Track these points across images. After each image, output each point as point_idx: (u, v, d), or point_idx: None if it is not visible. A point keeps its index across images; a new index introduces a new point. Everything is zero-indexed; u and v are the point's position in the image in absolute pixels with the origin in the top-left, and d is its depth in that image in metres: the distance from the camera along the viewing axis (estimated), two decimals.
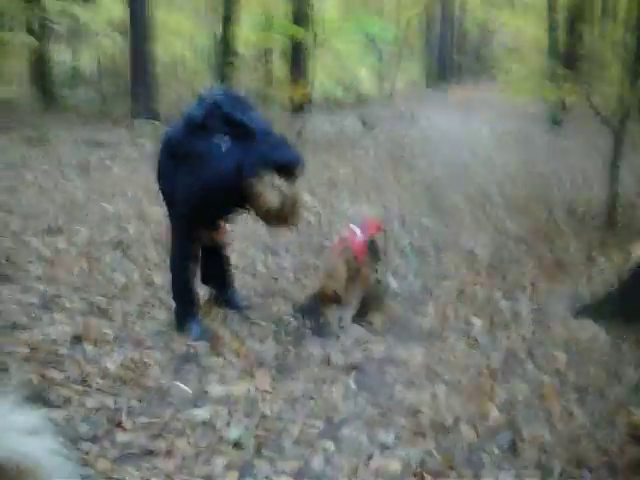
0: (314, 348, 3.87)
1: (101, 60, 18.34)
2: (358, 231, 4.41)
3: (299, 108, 15.58)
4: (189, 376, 3.54)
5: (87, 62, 21.66)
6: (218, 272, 4.44)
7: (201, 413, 3.16)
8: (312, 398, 3.30)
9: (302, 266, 5.40)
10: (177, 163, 3.71)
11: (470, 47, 53.91)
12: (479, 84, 38.89)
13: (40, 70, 17.01)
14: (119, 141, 11.65)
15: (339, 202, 7.83)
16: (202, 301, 4.47)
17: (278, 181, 3.51)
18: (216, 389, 3.40)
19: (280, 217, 3.58)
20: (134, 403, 3.26)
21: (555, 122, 16.27)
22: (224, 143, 3.59)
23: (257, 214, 3.65)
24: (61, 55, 19.90)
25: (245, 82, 21.75)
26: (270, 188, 3.48)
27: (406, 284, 4.95)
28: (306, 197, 7.93)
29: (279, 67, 21.16)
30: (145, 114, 13.00)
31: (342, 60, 23.96)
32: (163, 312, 4.33)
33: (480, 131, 15.96)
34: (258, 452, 2.87)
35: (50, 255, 5.39)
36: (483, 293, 4.71)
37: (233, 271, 4.78)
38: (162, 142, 3.88)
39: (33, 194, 7.57)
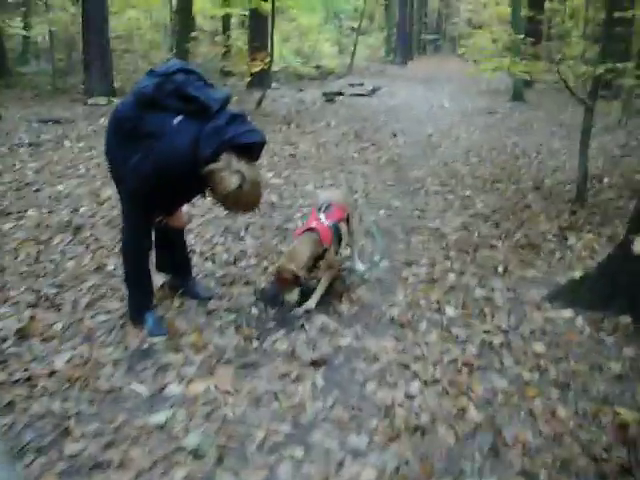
0: (278, 340, 3.63)
1: (54, 32, 17.62)
2: (323, 216, 4.18)
3: (258, 81, 15.23)
4: (144, 375, 3.28)
5: (40, 34, 20.93)
6: (175, 259, 4.17)
7: (157, 418, 2.90)
8: (277, 398, 3.06)
9: (264, 249, 5.14)
10: (126, 140, 3.41)
11: (432, 22, 53.73)
12: (441, 59, 38.89)
13: None
14: (74, 118, 11.19)
15: (302, 180, 7.56)
16: (157, 290, 4.21)
17: (237, 162, 3.23)
18: (173, 389, 3.15)
19: (239, 201, 3.30)
20: (84, 407, 2.99)
21: (519, 97, 16.17)
22: (176, 120, 3.30)
23: (215, 198, 3.37)
24: (13, 28, 19.11)
25: (203, 54, 21.28)
26: (229, 170, 3.20)
27: (373, 268, 4.73)
28: (267, 175, 7.67)
29: (238, 38, 20.64)
30: (100, 89, 12.50)
31: (302, 32, 23.61)
32: (116, 302, 4.04)
33: (443, 105, 15.79)
34: (220, 461, 2.63)
35: None
36: (455, 278, 4.51)
37: (191, 256, 4.52)
38: (110, 118, 3.56)
39: None
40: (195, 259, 4.80)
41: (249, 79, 16.64)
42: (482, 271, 4.65)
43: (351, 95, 17.30)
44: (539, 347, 3.47)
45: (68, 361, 3.37)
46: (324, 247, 4.04)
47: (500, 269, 4.65)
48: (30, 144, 8.99)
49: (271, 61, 13.79)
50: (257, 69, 13.76)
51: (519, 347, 3.50)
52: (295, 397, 3.06)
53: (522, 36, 9.07)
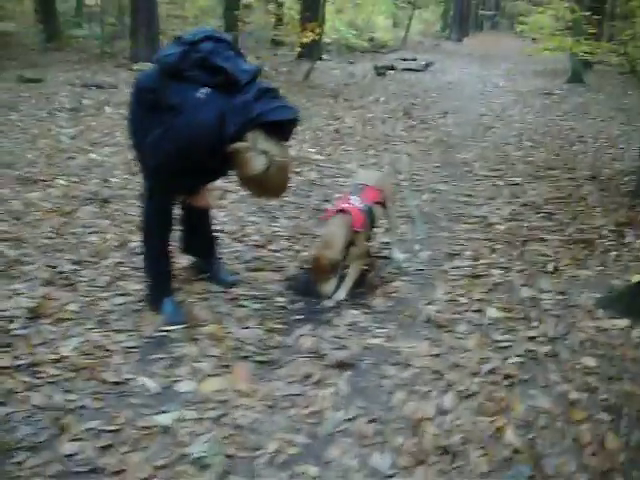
0: (303, 335, 3.35)
1: None
2: (355, 198, 3.87)
3: (308, 52, 14.86)
4: (155, 367, 3.03)
5: None
6: (200, 240, 3.91)
7: (163, 418, 2.66)
8: (295, 404, 2.78)
9: (298, 231, 4.86)
10: (148, 113, 3.15)
11: None
12: (498, 36, 37.89)
13: (44, 5, 16.21)
14: (117, 83, 11.00)
15: (344, 158, 7.24)
16: (181, 272, 3.97)
17: (266, 143, 2.94)
18: (185, 386, 2.90)
19: (264, 186, 3.02)
20: (87, 401, 2.76)
21: (577, 78, 15.47)
22: (201, 92, 3.01)
23: (239, 180, 3.09)
24: None
25: (255, 22, 20.92)
26: (254, 151, 2.91)
27: (412, 258, 4.41)
28: (309, 150, 7.38)
29: (291, 7, 20.20)
30: (145, 55, 12.26)
31: (357, 3, 23.07)
32: (136, 283, 3.81)
33: (497, 84, 15.21)
34: (225, 475, 2.38)
35: (20, 209, 4.86)
36: (500, 275, 4.16)
37: (219, 238, 4.26)
38: (132, 88, 3.30)
39: (15, 139, 7.01)
40: (224, 239, 4.55)
41: (299, 50, 16.28)
42: (530, 268, 4.29)
43: (403, 70, 16.82)
44: (589, 361, 3.11)
45: (77, 347, 3.14)
46: (356, 232, 3.74)
47: (550, 267, 4.28)
48: (70, 109, 8.84)
49: (322, 32, 13.41)
50: (307, 39, 13.38)
51: (567, 360, 3.14)
52: (315, 404, 2.78)
53: (588, 13, 8.49)
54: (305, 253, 4.43)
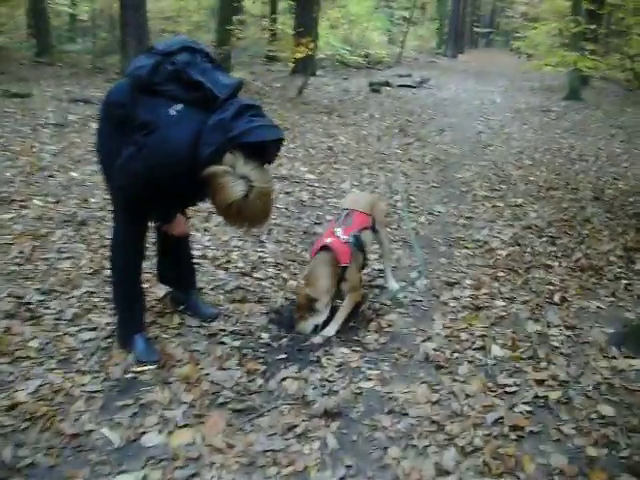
0: (288, 378, 3.02)
1: (97, 10, 17.22)
2: (339, 230, 3.56)
3: (302, 67, 14.62)
4: (120, 416, 2.70)
5: (85, 11, 20.59)
6: (177, 269, 3.57)
7: None
8: (276, 461, 2.45)
9: (286, 257, 4.54)
10: (117, 131, 2.82)
11: (486, 15, 52.47)
12: (493, 53, 37.90)
13: (37, 19, 15.97)
14: None
15: (338, 177, 6.93)
16: (158, 302, 3.66)
17: (244, 166, 2.62)
18: (152, 439, 2.57)
19: (244, 215, 2.68)
20: (39, 457, 2.44)
21: (574, 95, 15.23)
22: (174, 109, 2.70)
23: (215, 208, 2.77)
24: (60, 5, 18.83)
25: (249, 38, 20.72)
26: (232, 175, 2.59)
27: (409, 287, 4.09)
28: (301, 169, 7.07)
29: (285, 23, 19.99)
30: None
31: (351, 19, 22.86)
32: (108, 316, 3.48)
33: (494, 101, 14.97)
34: None
35: None
36: (503, 307, 3.84)
37: (200, 264, 3.95)
38: (102, 103, 2.99)
39: None
40: (206, 266, 4.23)
41: (293, 65, 16.04)
42: (535, 298, 3.97)
43: (398, 86, 16.57)
44: (606, 409, 2.78)
45: (35, 391, 2.82)
46: (342, 267, 3.44)
47: (556, 297, 3.96)
48: (55, 124, 8.52)
49: (315, 47, 13.16)
50: (301, 55, 13.11)
51: (581, 407, 2.81)
52: (298, 461, 2.45)
53: (593, 26, 8.17)
54: (292, 282, 4.11)
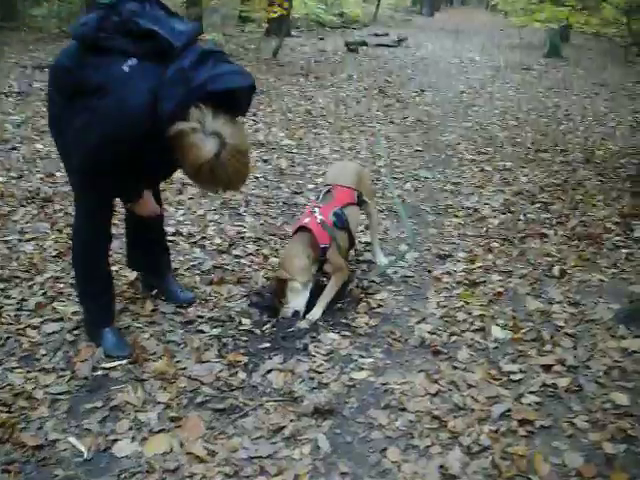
0: (273, 370, 2.76)
1: None
2: (317, 210, 3.31)
3: (276, 28, 14.16)
4: (89, 422, 2.43)
5: None
6: (149, 253, 3.27)
7: None
8: (263, 470, 2.20)
9: (266, 231, 4.26)
10: (69, 99, 2.49)
11: None
12: (469, 11, 37.51)
13: None
14: None
15: (317, 143, 6.62)
16: (128, 287, 3.37)
17: (214, 120, 2.30)
18: (124, 447, 2.30)
19: (217, 176, 2.35)
20: None
21: (555, 52, 14.94)
22: (126, 65, 2.36)
23: (185, 172, 2.46)
24: None
25: None
26: (201, 132, 2.28)
27: (398, 261, 3.83)
28: (279, 134, 6.75)
29: None
30: None
31: None
32: (72, 304, 3.18)
33: (473, 59, 14.63)
34: None
35: None
36: (500, 282, 3.60)
37: (174, 242, 3.66)
38: (49, 72, 2.65)
39: None
40: (180, 244, 3.95)
41: (267, 26, 15.53)
42: (533, 271, 3.73)
43: (375, 45, 16.15)
44: (620, 398, 2.54)
45: None
46: (322, 247, 3.18)
47: (556, 270, 3.72)
48: (19, 92, 8.09)
49: (290, 7, 12.68)
50: (275, 15, 12.64)
51: (593, 396, 2.57)
52: (289, 470, 2.19)
53: None
54: (274, 259, 3.84)
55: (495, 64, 13.80)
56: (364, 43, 15.88)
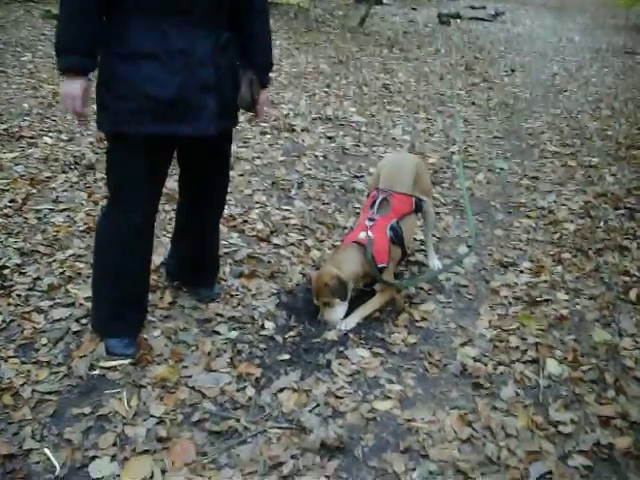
0: (284, 389, 2.43)
1: None
2: (370, 223, 2.99)
3: None
4: (71, 431, 2.17)
5: None
6: (195, 259, 2.93)
7: None
8: None
9: (315, 219, 3.92)
10: None
11: None
12: None
13: None
14: None
15: (389, 121, 6.20)
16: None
17: None
18: (101, 467, 2.03)
19: None
20: None
21: None
22: None
23: None
24: None
25: None
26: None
27: (453, 266, 3.43)
28: (350, 109, 6.38)
29: None
30: None
31: None
32: (88, 287, 2.91)
33: (573, 39, 13.73)
34: None
35: None
36: (566, 302, 3.15)
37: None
38: None
39: (18, 84, 6.18)
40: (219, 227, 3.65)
41: None
42: (607, 293, 3.26)
43: (470, 19, 15.42)
44: None
45: None
46: (378, 267, 2.87)
47: (633, 294, 3.23)
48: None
49: None
50: None
51: None
52: None
53: None
54: (316, 252, 3.50)
55: (596, 46, 12.90)
56: (458, 16, 15.17)
